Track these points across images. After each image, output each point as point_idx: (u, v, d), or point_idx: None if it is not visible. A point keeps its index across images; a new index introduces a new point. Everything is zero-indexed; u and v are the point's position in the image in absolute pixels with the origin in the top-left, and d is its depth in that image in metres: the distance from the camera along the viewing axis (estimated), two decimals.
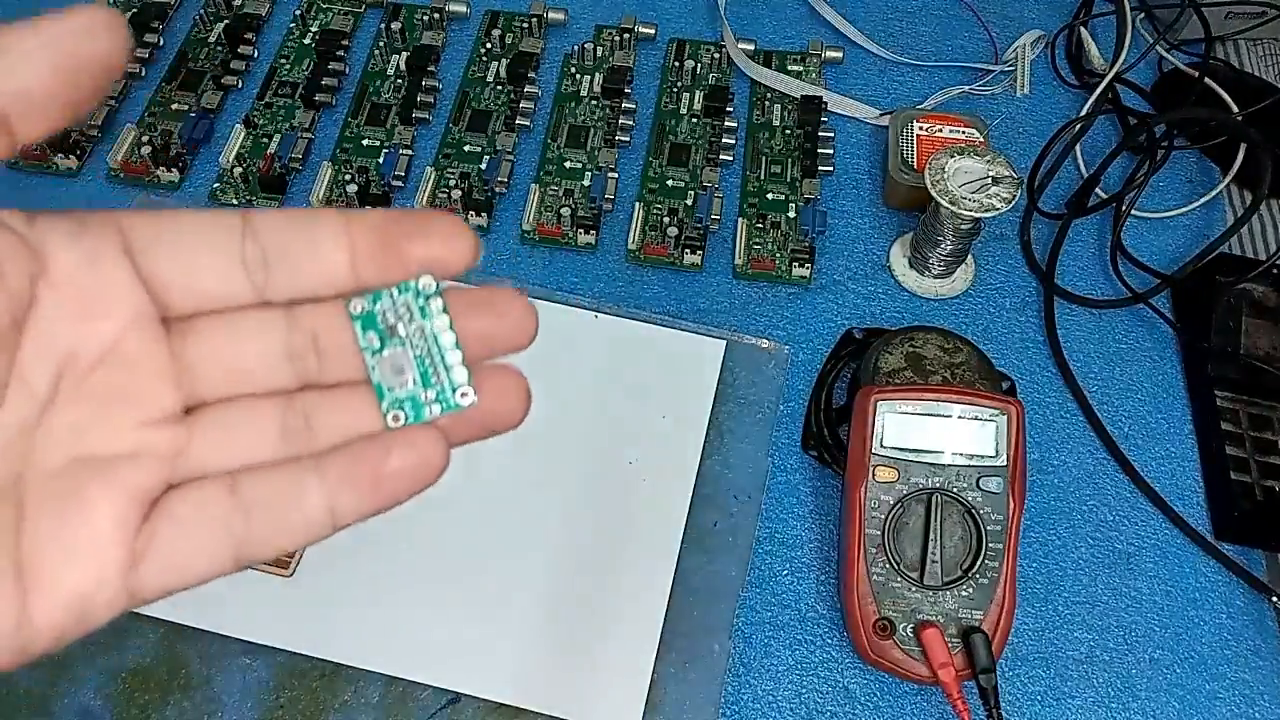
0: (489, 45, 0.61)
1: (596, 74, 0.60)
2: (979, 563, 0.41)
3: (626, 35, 0.62)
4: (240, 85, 0.59)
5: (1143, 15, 0.63)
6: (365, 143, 0.57)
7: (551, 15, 0.62)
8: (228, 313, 0.20)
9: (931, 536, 0.41)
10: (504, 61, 0.60)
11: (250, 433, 0.20)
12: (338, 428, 0.20)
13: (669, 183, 0.56)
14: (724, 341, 0.50)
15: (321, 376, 0.21)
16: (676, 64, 0.61)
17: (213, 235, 0.20)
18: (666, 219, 0.54)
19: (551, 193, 0.55)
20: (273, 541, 0.20)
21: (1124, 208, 0.55)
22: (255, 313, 0.20)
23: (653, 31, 0.62)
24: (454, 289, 0.21)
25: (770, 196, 0.56)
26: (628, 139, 0.58)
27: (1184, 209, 0.57)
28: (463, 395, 0.20)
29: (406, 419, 0.20)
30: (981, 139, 0.56)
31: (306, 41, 0.61)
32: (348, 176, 0.55)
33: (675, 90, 0.60)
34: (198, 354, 0.20)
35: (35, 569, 0.18)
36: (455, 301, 0.21)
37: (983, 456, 0.42)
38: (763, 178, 0.56)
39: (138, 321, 0.19)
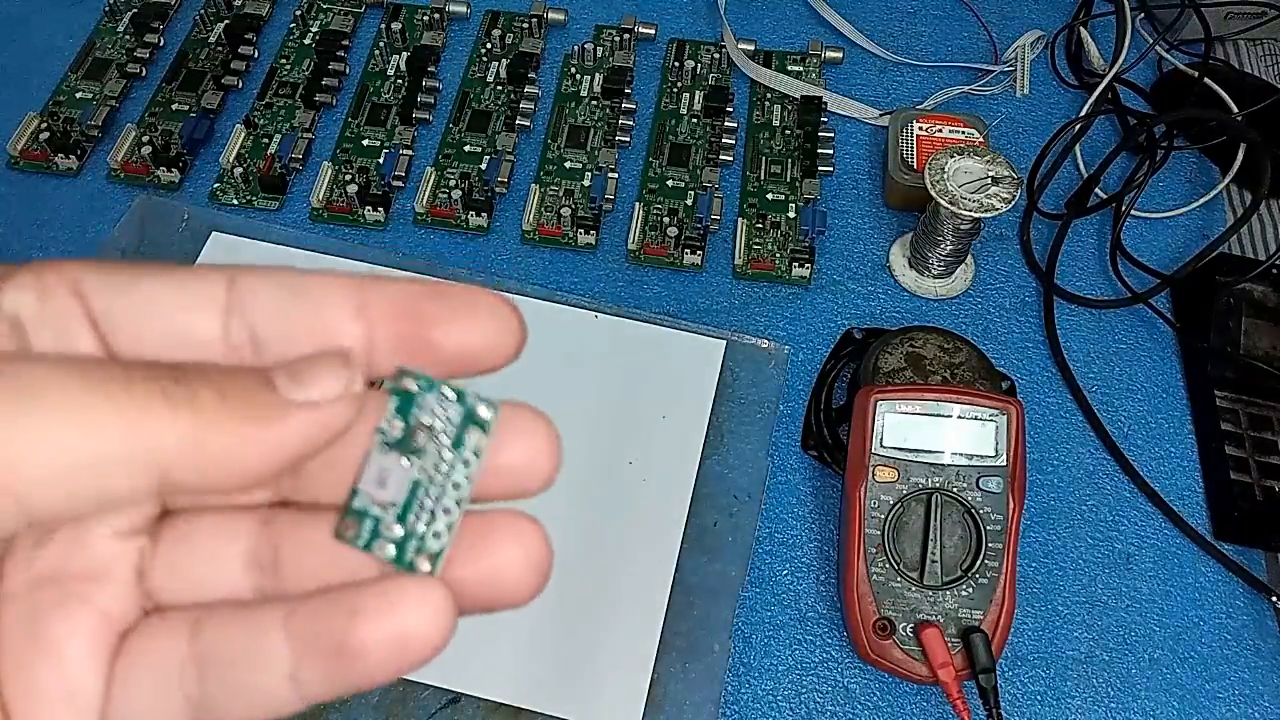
0: (489, 45, 0.61)
1: (596, 74, 0.60)
2: (979, 563, 0.41)
3: (626, 35, 0.62)
4: (240, 85, 0.59)
5: (1142, 15, 0.63)
6: (365, 143, 0.57)
7: (551, 15, 0.62)
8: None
9: (931, 536, 0.41)
10: (504, 61, 0.60)
11: (214, 557, 0.17)
12: (306, 569, 0.16)
13: (669, 183, 0.56)
14: (724, 341, 0.50)
15: (300, 491, 0.17)
16: (676, 64, 0.61)
17: (189, 312, 0.16)
18: (666, 219, 0.54)
19: (551, 193, 0.55)
20: (230, 709, 0.16)
21: (1124, 208, 0.55)
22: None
23: (653, 31, 0.62)
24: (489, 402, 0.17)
25: (770, 196, 0.56)
26: (628, 139, 0.58)
27: (1184, 209, 0.57)
28: (424, 562, 0.16)
29: (356, 539, 0.16)
30: (981, 139, 0.56)
31: (306, 42, 0.61)
32: (348, 176, 0.55)
33: (675, 90, 0.60)
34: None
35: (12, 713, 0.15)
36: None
37: (983, 456, 0.42)
38: (763, 178, 0.56)
39: None
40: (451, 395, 0.16)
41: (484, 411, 0.16)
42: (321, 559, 0.16)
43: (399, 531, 0.16)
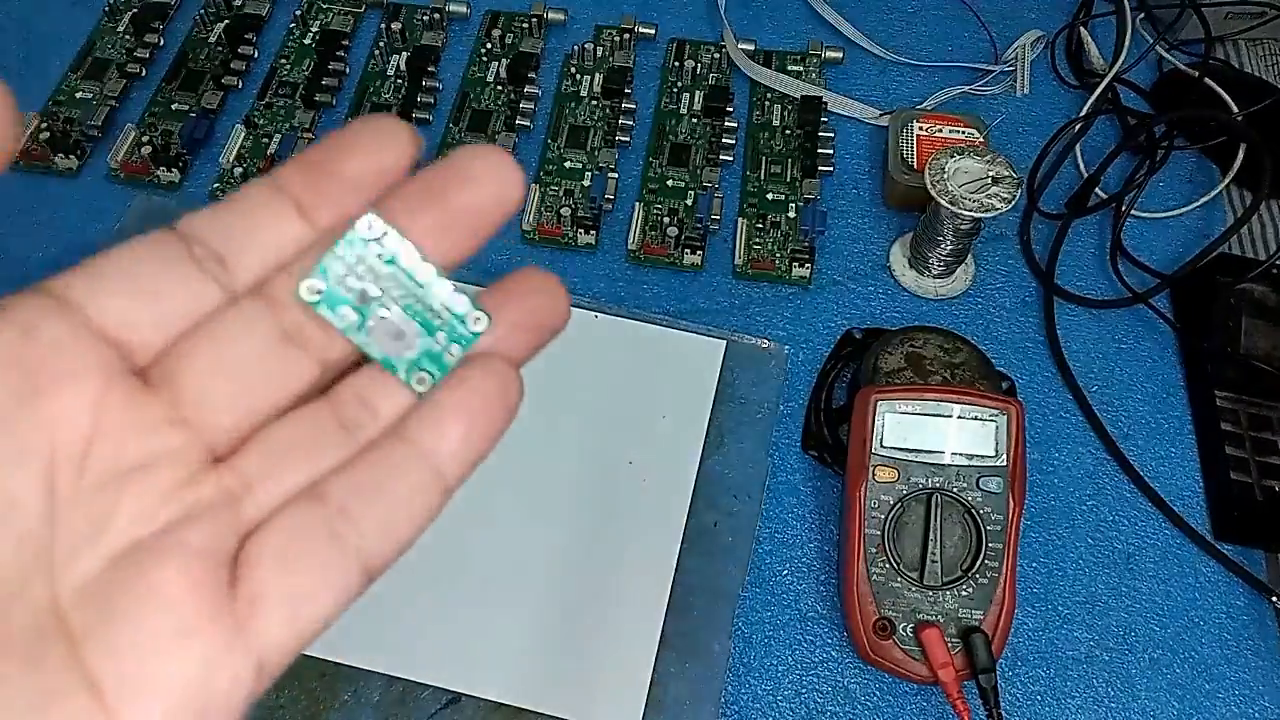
0: (489, 45, 0.61)
1: (596, 74, 0.60)
2: (979, 563, 0.41)
3: (626, 35, 0.62)
4: (240, 85, 0.59)
5: (1143, 15, 0.63)
6: None
7: (551, 15, 0.62)
8: (204, 326, 0.17)
9: (931, 536, 0.41)
10: (504, 61, 0.60)
11: (313, 441, 0.18)
12: (393, 409, 0.18)
13: (669, 183, 0.56)
14: (724, 341, 0.50)
15: (331, 352, 0.18)
16: (676, 64, 0.61)
17: (153, 252, 0.17)
18: (666, 219, 0.54)
19: (551, 193, 0.55)
20: (391, 528, 0.17)
21: (1124, 208, 0.55)
22: (233, 314, 0.17)
23: (653, 31, 0.62)
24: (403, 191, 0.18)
25: (770, 196, 0.56)
26: (628, 139, 0.58)
27: (1184, 209, 0.57)
28: (476, 321, 0.18)
29: (434, 377, 0.18)
30: (981, 139, 0.56)
31: (306, 42, 0.61)
32: None
33: (675, 90, 0.60)
34: (193, 381, 0.17)
35: (122, 687, 0.15)
36: (412, 216, 0.18)
37: (983, 456, 0.42)
38: (763, 178, 0.56)
39: (110, 378, 0.16)
40: (342, 248, 0.17)
41: (367, 225, 0.17)
42: (402, 399, 0.18)
43: (443, 337, 0.18)
